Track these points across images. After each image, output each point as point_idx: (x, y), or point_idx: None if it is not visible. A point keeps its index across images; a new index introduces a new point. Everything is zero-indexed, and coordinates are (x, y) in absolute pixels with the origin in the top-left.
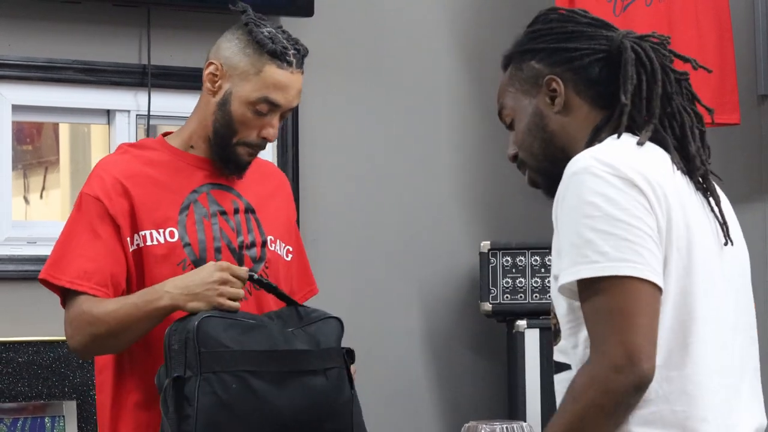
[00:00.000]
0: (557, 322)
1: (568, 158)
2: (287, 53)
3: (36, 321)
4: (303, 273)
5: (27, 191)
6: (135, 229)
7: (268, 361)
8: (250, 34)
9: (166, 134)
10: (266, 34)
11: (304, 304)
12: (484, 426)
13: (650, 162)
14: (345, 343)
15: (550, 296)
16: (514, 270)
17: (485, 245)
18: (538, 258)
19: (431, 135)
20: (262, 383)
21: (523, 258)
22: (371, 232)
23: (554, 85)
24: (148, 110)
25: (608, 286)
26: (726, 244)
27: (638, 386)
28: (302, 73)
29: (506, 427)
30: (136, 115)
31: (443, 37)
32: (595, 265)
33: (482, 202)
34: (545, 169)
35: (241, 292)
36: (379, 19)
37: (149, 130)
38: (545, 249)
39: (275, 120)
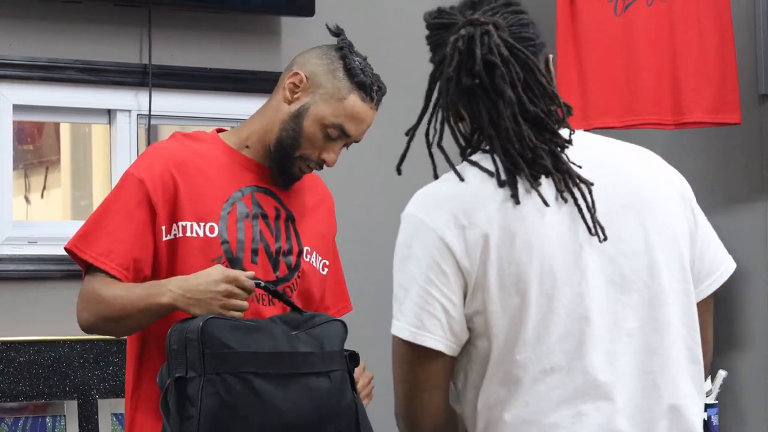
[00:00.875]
0: None
1: None
2: (372, 89)
3: (37, 320)
4: (338, 289)
5: (28, 191)
6: (174, 218)
7: (271, 363)
8: (344, 59)
9: (220, 131)
10: (359, 64)
11: None
12: None
13: (464, 203)
14: (347, 343)
15: None
16: None
17: None
18: None
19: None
20: (265, 385)
21: None
22: (372, 232)
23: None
24: (149, 110)
25: (394, 342)
26: (600, 240)
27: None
28: (377, 110)
29: None
30: (137, 114)
31: None
32: (394, 320)
33: None
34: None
35: (245, 304)
36: (380, 18)
37: (150, 130)
38: None
39: (339, 148)
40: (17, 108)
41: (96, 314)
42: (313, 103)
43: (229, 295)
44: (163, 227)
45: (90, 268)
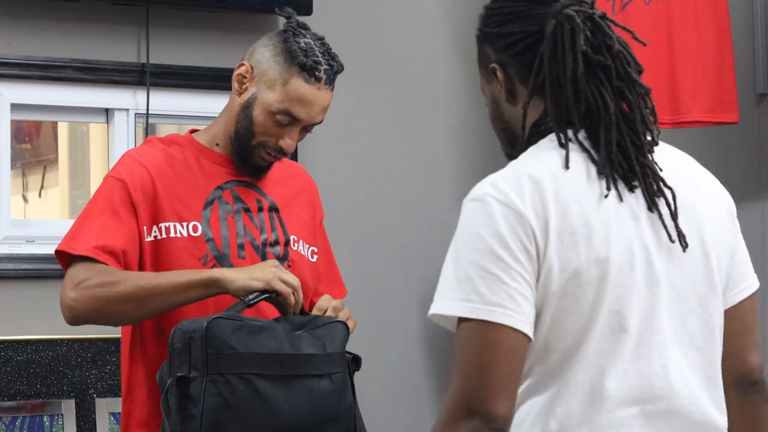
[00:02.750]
0: None
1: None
2: (317, 68)
3: (35, 320)
4: (332, 275)
5: (26, 190)
6: (156, 220)
7: (274, 364)
8: (285, 42)
9: (193, 131)
10: (302, 45)
11: None
12: None
13: (554, 187)
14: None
15: None
16: None
17: None
18: None
19: (431, 133)
20: (267, 386)
21: None
22: (370, 230)
23: (498, 74)
24: (147, 109)
25: (473, 329)
26: (683, 248)
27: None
28: (331, 89)
29: None
30: (135, 113)
31: (442, 35)
32: (468, 305)
33: None
34: (511, 156)
35: (296, 281)
36: (378, 17)
37: (148, 129)
38: None
39: (294, 132)
40: (15, 107)
41: (106, 298)
42: (259, 92)
43: (280, 269)
44: (144, 228)
45: (80, 261)
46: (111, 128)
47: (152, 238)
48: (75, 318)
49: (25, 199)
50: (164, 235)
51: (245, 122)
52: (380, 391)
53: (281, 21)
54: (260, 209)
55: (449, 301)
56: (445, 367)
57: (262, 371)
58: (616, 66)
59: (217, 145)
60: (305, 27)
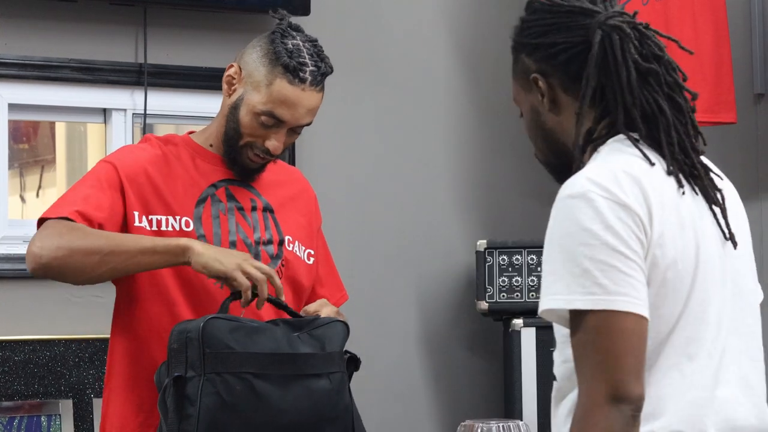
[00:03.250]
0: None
1: (572, 152)
2: (302, 69)
3: (32, 320)
4: (332, 279)
5: (23, 190)
6: (148, 211)
7: (272, 364)
8: (271, 44)
9: (191, 133)
10: (288, 46)
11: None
12: (481, 425)
13: (650, 181)
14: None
15: None
16: (510, 269)
17: (481, 244)
18: (534, 257)
19: (428, 134)
20: (265, 385)
21: (519, 257)
22: (368, 230)
23: (540, 84)
24: (145, 109)
25: (601, 319)
26: (734, 246)
27: (634, 417)
28: (319, 91)
29: (502, 426)
30: (133, 113)
31: (440, 35)
32: (592, 297)
33: (478, 201)
34: (553, 162)
35: (261, 275)
36: (376, 17)
37: (145, 129)
38: (541, 248)
39: (280, 134)
40: (12, 107)
41: (70, 244)
42: (246, 93)
43: (248, 262)
44: (136, 213)
45: (57, 220)
46: (108, 128)
47: (143, 225)
48: (38, 267)
49: (22, 199)
50: (155, 228)
51: (233, 123)
52: (377, 392)
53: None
54: (254, 209)
55: (567, 296)
56: (441, 366)
57: (260, 371)
58: (663, 73)
59: (211, 146)
60: (297, 29)
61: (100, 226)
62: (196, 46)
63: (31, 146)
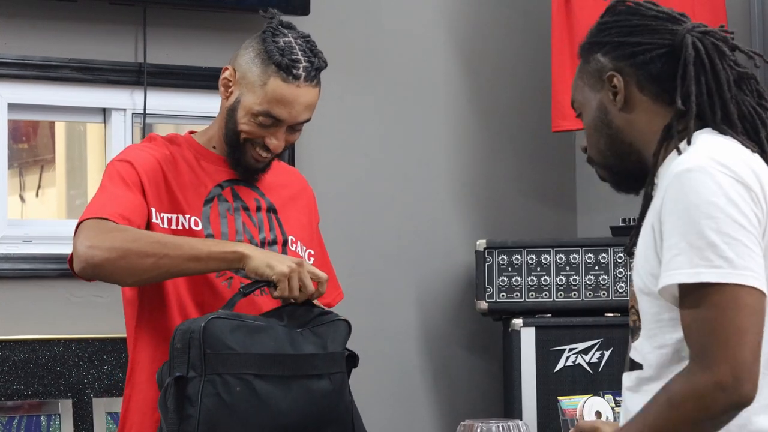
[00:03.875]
0: (638, 320)
1: (637, 153)
2: (295, 66)
3: (32, 320)
4: (330, 278)
5: (23, 190)
6: (161, 208)
7: (273, 365)
8: (262, 43)
9: (192, 132)
10: (280, 44)
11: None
12: (480, 424)
13: (757, 165)
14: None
15: (545, 295)
16: (510, 268)
17: (481, 244)
18: (533, 256)
19: (427, 133)
20: (266, 386)
21: (519, 256)
22: (367, 230)
23: (615, 81)
24: (144, 109)
25: (726, 293)
26: None
27: (738, 406)
28: (314, 86)
29: (502, 426)
30: (132, 113)
31: (440, 35)
32: (719, 271)
33: (478, 201)
34: (612, 164)
35: (310, 287)
36: (375, 17)
37: (145, 129)
38: (541, 247)
39: (280, 133)
40: (12, 107)
41: (124, 245)
42: (242, 95)
43: (302, 266)
44: (153, 209)
45: (98, 219)
46: (108, 128)
47: (157, 222)
48: (89, 267)
49: (22, 198)
50: (166, 226)
51: (231, 125)
52: (377, 391)
53: None
54: (258, 209)
55: (690, 269)
56: (440, 366)
57: (260, 372)
58: (754, 81)
59: (214, 147)
60: (289, 26)
61: (139, 227)
62: (195, 46)
63: (30, 146)
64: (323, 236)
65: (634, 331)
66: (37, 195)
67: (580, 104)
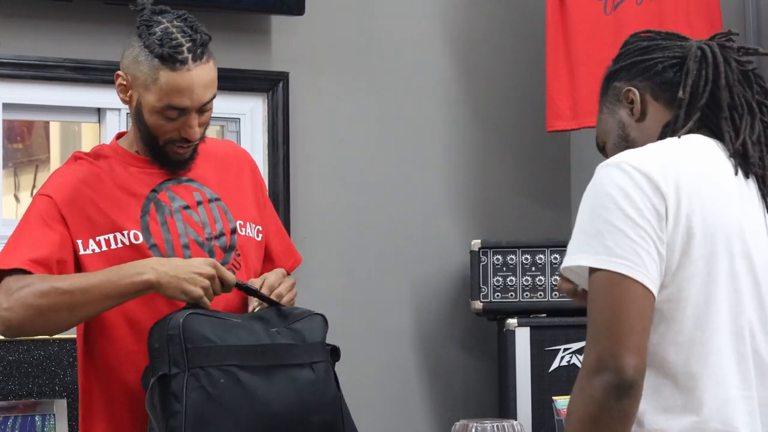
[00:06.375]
0: None
1: None
2: (178, 52)
3: None
4: (284, 245)
5: (17, 189)
6: (92, 233)
7: (254, 355)
8: (140, 39)
9: (120, 135)
10: (157, 35)
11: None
12: (475, 424)
13: (692, 165)
14: (336, 341)
15: (540, 295)
16: (504, 268)
17: (476, 244)
18: (528, 256)
19: (422, 134)
20: (250, 377)
21: (513, 256)
22: (362, 230)
23: (630, 95)
24: None
25: (604, 281)
26: None
27: (616, 387)
28: (206, 62)
29: (497, 426)
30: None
31: (434, 36)
32: (596, 257)
33: (473, 201)
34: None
35: (231, 279)
36: (370, 17)
37: None
38: (536, 247)
39: (190, 120)
40: (7, 107)
41: (37, 308)
42: (140, 96)
43: (211, 278)
44: (79, 241)
45: (12, 274)
46: (103, 128)
47: (90, 252)
48: (9, 329)
49: (17, 198)
50: (105, 248)
51: (143, 128)
52: (372, 391)
53: (274, 21)
54: (199, 203)
55: (577, 254)
56: (435, 366)
57: (243, 362)
58: (757, 80)
59: (137, 151)
60: (162, 11)
61: (59, 263)
62: None
63: (25, 146)
64: (318, 235)
65: None
66: (31, 195)
67: (603, 133)
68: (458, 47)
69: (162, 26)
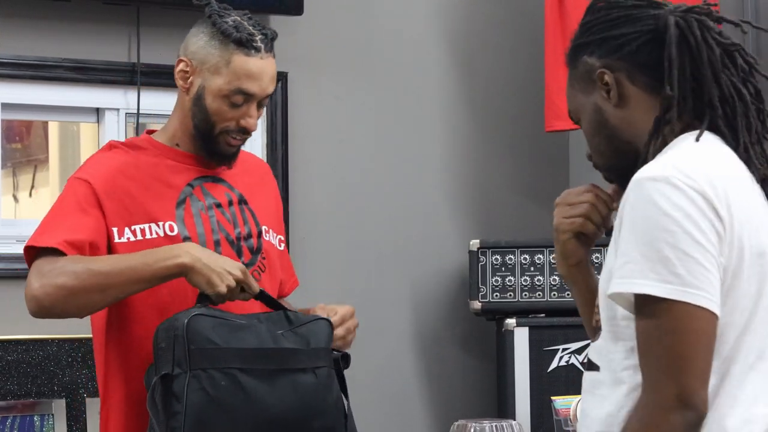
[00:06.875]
0: (600, 320)
1: (636, 150)
2: (254, 39)
3: (25, 319)
4: (287, 264)
5: (16, 189)
6: (128, 222)
7: (257, 359)
8: (214, 25)
9: (150, 132)
10: (231, 23)
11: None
12: (474, 424)
13: (730, 180)
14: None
15: (539, 295)
16: (503, 268)
17: (475, 244)
18: (527, 256)
19: (421, 134)
20: (251, 380)
21: (512, 256)
22: (361, 230)
23: (606, 78)
24: (138, 108)
25: (673, 311)
26: None
27: (696, 426)
28: (273, 57)
29: (495, 426)
30: (126, 113)
31: (433, 35)
32: (668, 286)
33: (472, 201)
34: (616, 165)
35: (255, 287)
36: (369, 17)
37: (138, 129)
38: (535, 247)
39: (252, 109)
40: (6, 106)
41: (69, 284)
42: (205, 81)
43: (240, 281)
44: (115, 229)
45: (46, 253)
46: (102, 128)
47: (125, 240)
48: (41, 309)
49: (15, 198)
50: (140, 237)
51: (201, 114)
52: (371, 391)
53: (273, 21)
54: (230, 203)
55: (640, 279)
56: (434, 366)
57: (245, 366)
58: (742, 54)
59: (178, 145)
60: (227, 8)
61: (92, 246)
62: None
63: (24, 146)
64: (317, 235)
65: (596, 330)
66: (30, 195)
67: (576, 112)
68: (458, 47)
69: (233, 17)
